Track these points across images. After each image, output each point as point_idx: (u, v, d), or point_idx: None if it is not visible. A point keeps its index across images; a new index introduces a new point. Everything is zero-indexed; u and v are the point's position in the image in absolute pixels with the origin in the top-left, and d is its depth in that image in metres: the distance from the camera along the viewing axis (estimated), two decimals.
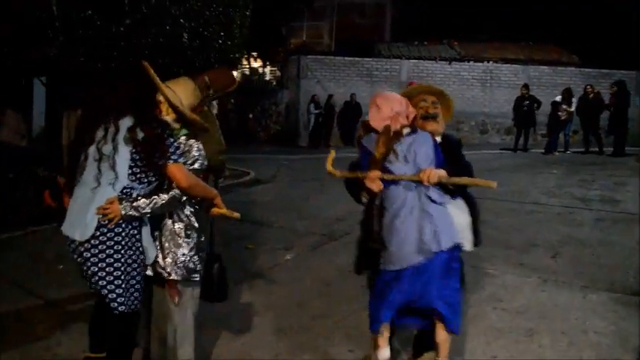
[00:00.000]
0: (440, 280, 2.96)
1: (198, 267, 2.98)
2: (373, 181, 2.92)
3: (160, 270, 2.90)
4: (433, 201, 2.97)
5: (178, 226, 2.91)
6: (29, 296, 4.82)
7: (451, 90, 19.74)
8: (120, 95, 2.78)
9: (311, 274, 5.35)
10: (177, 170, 2.73)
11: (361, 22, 23.73)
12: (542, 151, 15.04)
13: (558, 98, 15.24)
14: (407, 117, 3.10)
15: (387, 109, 3.05)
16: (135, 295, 2.76)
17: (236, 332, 4.05)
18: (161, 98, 2.84)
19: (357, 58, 20.34)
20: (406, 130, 3.09)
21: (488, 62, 20.46)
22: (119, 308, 2.68)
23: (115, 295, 2.67)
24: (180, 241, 2.90)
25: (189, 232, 2.93)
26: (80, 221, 2.63)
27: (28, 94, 9.43)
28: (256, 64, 23.34)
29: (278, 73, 22.58)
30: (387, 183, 2.98)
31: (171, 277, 2.91)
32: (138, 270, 2.76)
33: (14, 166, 7.27)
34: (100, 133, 2.71)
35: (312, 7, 22.30)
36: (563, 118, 14.93)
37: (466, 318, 4.24)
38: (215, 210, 3.07)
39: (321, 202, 8.44)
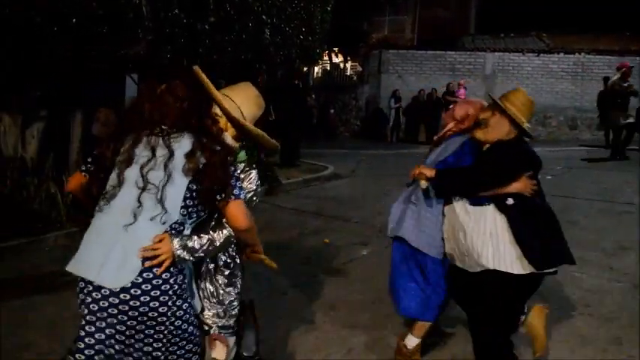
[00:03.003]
0: (399, 265, 3.42)
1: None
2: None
3: (203, 322, 2.48)
4: (411, 199, 3.26)
5: (223, 272, 2.52)
6: None
7: (539, 83, 19.06)
8: (171, 105, 2.15)
9: (386, 271, 5.28)
10: (238, 209, 2.17)
11: (444, 15, 23.26)
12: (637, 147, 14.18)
13: None
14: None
15: (462, 110, 3.28)
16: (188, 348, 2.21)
17: (309, 326, 4.07)
18: (217, 111, 2.34)
19: (439, 52, 19.99)
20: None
21: (579, 54, 19.49)
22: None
23: (152, 348, 2.11)
24: (222, 289, 2.51)
25: (234, 280, 2.54)
26: (112, 262, 2.02)
27: (121, 90, 9.94)
28: (338, 59, 23.42)
29: (359, 68, 22.54)
30: None
31: (213, 330, 2.49)
32: (189, 320, 2.19)
33: None
34: (144, 154, 2.10)
35: (394, 1, 22.11)
36: None
37: (550, 323, 4.07)
38: (255, 255, 2.60)
39: None
